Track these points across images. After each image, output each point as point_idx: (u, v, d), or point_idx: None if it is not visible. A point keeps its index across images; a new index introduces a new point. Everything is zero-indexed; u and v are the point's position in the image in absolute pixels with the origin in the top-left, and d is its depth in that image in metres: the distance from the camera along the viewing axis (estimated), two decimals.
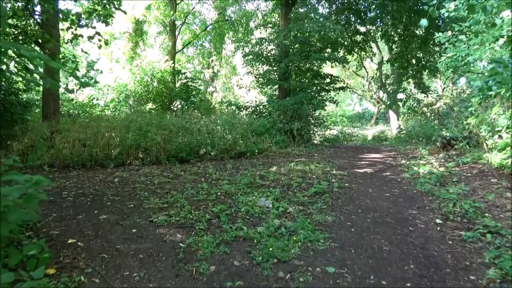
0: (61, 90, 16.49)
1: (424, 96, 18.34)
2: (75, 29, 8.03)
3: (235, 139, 9.61)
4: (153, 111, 14.30)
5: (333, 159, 8.96)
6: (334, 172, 6.93)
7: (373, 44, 18.85)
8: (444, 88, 26.47)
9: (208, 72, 20.41)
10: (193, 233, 3.70)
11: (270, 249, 3.32)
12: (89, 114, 13.38)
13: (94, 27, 8.39)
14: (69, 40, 8.66)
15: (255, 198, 4.74)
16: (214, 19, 18.95)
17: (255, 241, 3.51)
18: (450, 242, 3.62)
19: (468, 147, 8.59)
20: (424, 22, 4.61)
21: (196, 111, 11.45)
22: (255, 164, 7.60)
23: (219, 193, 5.10)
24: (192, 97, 14.04)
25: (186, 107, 12.85)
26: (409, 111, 18.18)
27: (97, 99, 15.48)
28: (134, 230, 3.75)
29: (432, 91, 17.23)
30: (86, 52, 9.82)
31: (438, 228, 3.98)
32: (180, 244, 3.43)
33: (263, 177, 6.05)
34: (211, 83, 21.09)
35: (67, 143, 8.44)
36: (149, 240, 3.53)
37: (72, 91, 15.81)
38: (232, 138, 9.64)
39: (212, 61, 20.40)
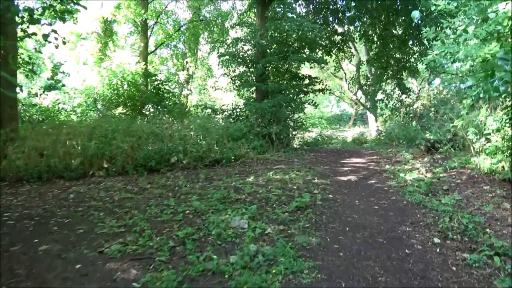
0: (24, 94, 15.44)
1: (404, 97, 18.19)
2: (27, 27, 7.21)
3: (209, 145, 8.96)
4: (123, 116, 13.51)
5: (314, 165, 8.44)
6: (316, 181, 6.39)
7: (351, 45, 18.58)
8: (420, 89, 26.57)
9: (183, 74, 19.63)
10: (151, 267, 3.05)
11: (245, 287, 2.73)
12: (52, 120, 12.45)
13: (50, 24, 7.58)
14: (20, 38, 7.81)
15: (228, 217, 4.13)
16: (188, 19, 18.21)
17: (226, 275, 2.90)
18: (454, 268, 3.11)
19: (453, 150, 8.25)
20: (416, 13, 4.16)
21: (167, 115, 10.72)
22: (230, 173, 6.98)
23: (187, 212, 4.46)
24: (165, 100, 13.26)
25: (158, 112, 12.10)
26: (392, 111, 17.97)
27: (63, 104, 14.50)
28: (78, 266, 3.06)
29: (412, 92, 17.06)
30: (39, 51, 8.91)
31: (438, 250, 3.47)
32: (134, 284, 2.78)
33: (238, 190, 5.43)
34: (186, 85, 20.32)
35: (21, 153, 7.60)
36: (95, 279, 2.86)
37: (35, 95, 14.74)
38: (207, 144, 8.99)
39: (186, 62, 19.63)
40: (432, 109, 19.89)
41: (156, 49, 17.66)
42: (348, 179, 6.73)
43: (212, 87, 14.33)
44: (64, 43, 7.55)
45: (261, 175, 6.72)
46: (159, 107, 12.53)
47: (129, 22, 16.58)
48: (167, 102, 13.19)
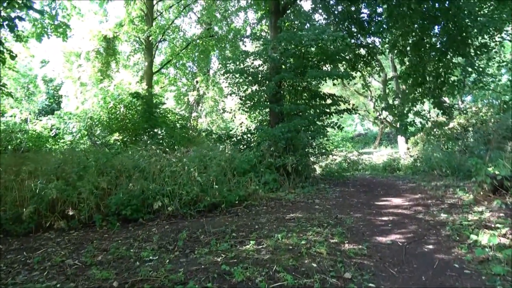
0: (16, 119, 14.10)
1: (440, 116, 15.88)
2: None
3: (206, 183, 7.05)
4: (118, 143, 11.86)
5: (341, 211, 6.38)
6: (347, 247, 4.33)
7: (378, 58, 16.54)
8: (453, 106, 24.07)
9: (193, 95, 18.02)
10: None
11: None
12: (36, 148, 10.91)
13: None
14: None
15: None
16: (197, 35, 16.69)
17: None
18: None
19: None
20: None
21: (164, 143, 8.89)
22: (224, 233, 4.98)
23: None
24: (160, 125, 11.47)
25: (150, 139, 10.35)
26: (428, 134, 15.68)
27: (57, 129, 13.02)
28: None
29: (455, 110, 14.77)
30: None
31: None
32: None
33: (223, 276, 3.44)
34: (196, 107, 18.68)
35: None
36: None
37: (25, 121, 13.38)
38: (204, 181, 7.09)
39: (196, 82, 18.04)
40: (470, 129, 17.54)
41: (161, 68, 16.15)
42: (392, 242, 4.63)
43: (221, 110, 12.58)
44: (12, 57, 5.87)
45: (266, 236, 4.71)
46: (152, 134, 10.75)
47: (131, 40, 15.14)
48: (161, 129, 11.35)
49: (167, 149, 10.18)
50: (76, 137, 12.58)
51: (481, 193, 6.70)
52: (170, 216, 6.22)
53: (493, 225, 5.00)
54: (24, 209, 5.77)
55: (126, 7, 14.93)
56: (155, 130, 11.46)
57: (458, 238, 4.65)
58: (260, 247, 4.29)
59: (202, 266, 3.67)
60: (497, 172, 6.75)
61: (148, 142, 9.85)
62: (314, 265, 3.71)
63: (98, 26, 14.41)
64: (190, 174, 7.10)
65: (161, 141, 10.87)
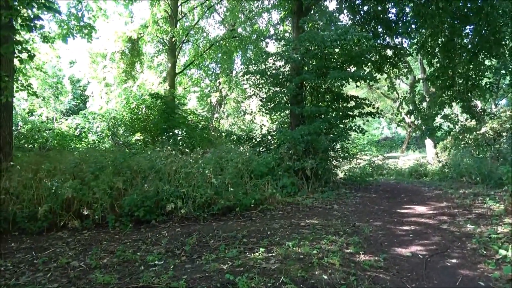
0: (43, 117, 14.47)
1: (470, 121, 15.15)
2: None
3: (221, 186, 6.92)
4: (140, 143, 11.96)
5: (359, 219, 6.10)
6: (362, 258, 4.08)
7: (406, 60, 15.95)
8: (484, 110, 23.06)
9: (215, 96, 18.00)
10: None
11: None
12: (61, 147, 11.14)
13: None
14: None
15: None
16: (220, 36, 16.66)
17: None
18: None
19: None
20: None
21: (169, 147, 8.82)
22: (235, 238, 4.82)
23: None
24: (179, 126, 11.44)
25: (170, 140, 10.34)
26: (456, 139, 15.03)
27: (82, 129, 13.27)
28: None
29: (487, 114, 14.06)
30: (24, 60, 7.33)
31: None
32: None
33: (226, 286, 3.27)
34: (219, 108, 18.66)
35: None
36: None
37: (51, 119, 13.72)
38: (219, 184, 6.97)
39: (219, 83, 18.01)
40: (504, 134, 16.63)
41: (184, 69, 16.20)
42: (412, 254, 4.33)
43: (242, 111, 12.47)
44: (30, 57, 5.91)
45: (277, 244, 4.52)
46: (172, 134, 10.74)
47: (155, 41, 15.28)
48: (181, 130, 11.32)
49: (186, 150, 10.18)
50: (100, 137, 12.79)
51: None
52: (183, 219, 6.12)
53: None
54: (40, 208, 5.82)
55: (151, 9, 15.08)
56: (175, 131, 11.45)
57: (485, 252, 4.30)
58: (270, 255, 4.10)
59: (206, 274, 3.52)
60: None
61: (167, 142, 9.84)
62: (325, 277, 3.49)
63: (123, 28, 14.61)
64: (205, 176, 6.99)
65: (180, 142, 10.83)
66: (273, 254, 4.12)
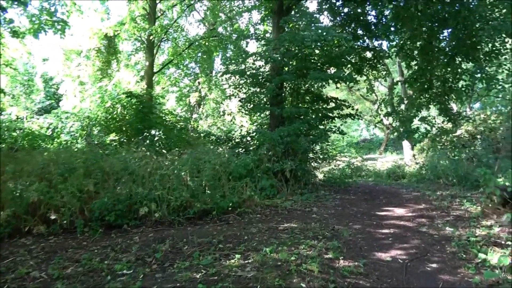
0: (12, 116, 13.85)
1: (443, 122, 15.40)
2: None
3: (197, 188, 6.69)
4: (115, 143, 11.56)
5: (339, 222, 5.99)
6: (341, 264, 3.95)
7: (385, 62, 16.10)
8: (460, 113, 23.58)
9: (194, 96, 17.70)
10: None
11: None
12: (30, 147, 10.63)
13: None
14: None
15: None
16: (200, 35, 16.38)
17: None
18: None
19: None
20: None
21: (144, 148, 8.52)
22: (210, 244, 4.60)
23: None
24: (155, 126, 11.10)
25: (145, 141, 10.02)
26: (434, 140, 15.24)
27: (54, 128, 12.72)
28: None
29: (462, 117, 14.29)
30: None
31: None
32: None
33: None
34: (197, 109, 18.35)
35: None
36: None
37: (20, 119, 13.10)
38: (195, 186, 6.74)
39: (199, 83, 17.72)
40: (479, 136, 16.99)
41: (162, 68, 15.83)
42: (392, 259, 4.23)
43: (221, 112, 12.26)
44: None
45: (254, 249, 4.34)
46: (148, 135, 10.41)
47: (133, 39, 14.88)
48: (158, 130, 10.99)
49: (163, 151, 9.88)
50: (73, 137, 12.30)
51: (490, 205, 6.27)
52: (156, 223, 5.87)
53: (503, 242, 4.59)
54: (1, 212, 5.46)
55: (128, 5, 14.68)
56: (152, 131, 11.11)
57: (464, 256, 4.24)
58: (246, 262, 3.92)
59: (178, 284, 3.30)
60: (507, 184, 6.32)
61: (143, 143, 9.51)
62: (303, 285, 3.33)
63: (99, 24, 14.16)
64: (181, 178, 6.75)
65: (156, 143, 10.51)
66: (250, 261, 3.94)
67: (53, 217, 5.74)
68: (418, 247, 4.65)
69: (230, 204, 6.72)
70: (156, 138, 10.45)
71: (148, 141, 10.54)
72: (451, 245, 4.63)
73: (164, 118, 12.95)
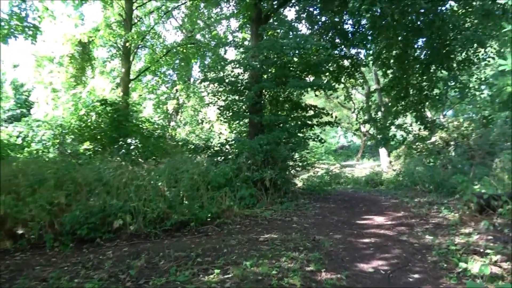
0: None
1: (419, 129, 15.71)
2: None
3: (175, 199, 6.49)
4: (89, 153, 11.20)
5: (319, 232, 5.91)
6: (323, 277, 3.85)
7: (362, 70, 16.31)
8: (434, 120, 24.17)
9: (172, 103, 17.42)
10: None
11: None
12: None
13: None
14: None
15: None
16: (177, 42, 16.17)
17: None
18: None
19: None
20: None
21: (119, 158, 8.24)
22: (188, 258, 4.42)
23: None
24: (131, 134, 10.79)
25: (121, 149, 9.73)
26: (410, 147, 15.50)
27: (25, 137, 12.20)
28: None
29: (437, 125, 14.59)
30: None
31: None
32: None
33: None
34: (175, 116, 18.07)
35: None
36: None
37: None
38: (173, 197, 6.54)
39: (176, 91, 17.46)
40: (452, 143, 17.42)
41: (139, 75, 15.52)
42: (374, 270, 4.16)
43: (200, 120, 12.08)
44: None
45: (234, 263, 4.19)
46: (124, 144, 10.11)
47: (107, 45, 14.53)
48: (134, 138, 10.69)
49: (140, 160, 9.60)
50: (46, 146, 11.83)
51: (467, 212, 6.34)
52: (132, 236, 5.63)
53: (482, 250, 4.61)
54: None
55: (104, 11, 14.35)
56: (128, 140, 10.81)
57: (445, 265, 4.22)
58: (226, 277, 3.76)
59: None
60: (483, 191, 6.43)
61: (117, 152, 9.21)
62: None
63: (73, 30, 13.76)
64: (158, 188, 6.53)
65: (132, 152, 10.22)
66: (229, 275, 3.79)
67: (20, 231, 5.44)
68: (399, 257, 4.61)
69: (209, 215, 6.55)
70: (132, 147, 10.13)
71: (124, 150, 10.24)
72: (432, 254, 4.61)
73: (141, 126, 12.64)
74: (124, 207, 5.85)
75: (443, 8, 11.37)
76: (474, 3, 10.71)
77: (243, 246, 4.97)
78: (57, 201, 5.87)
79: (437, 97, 12.28)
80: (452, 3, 11.71)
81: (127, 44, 13.30)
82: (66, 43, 13.56)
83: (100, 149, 11.35)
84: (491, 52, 11.99)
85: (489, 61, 12.69)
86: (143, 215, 5.85)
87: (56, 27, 13.19)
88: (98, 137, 11.85)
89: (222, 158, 10.43)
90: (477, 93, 16.94)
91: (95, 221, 5.55)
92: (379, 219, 7.10)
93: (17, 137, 12.10)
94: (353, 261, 4.46)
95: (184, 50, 15.87)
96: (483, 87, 20.46)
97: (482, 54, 11.76)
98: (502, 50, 13.61)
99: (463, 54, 11.49)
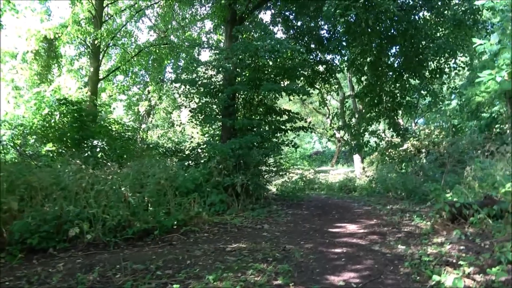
0: None
1: (395, 138, 15.88)
2: None
3: (139, 205, 6.11)
4: (51, 154, 10.58)
5: (290, 240, 5.67)
6: None
7: (337, 76, 16.36)
8: (407, 128, 24.61)
9: (144, 105, 16.90)
10: None
11: None
12: None
13: None
14: None
15: None
16: (150, 42, 15.72)
17: None
18: None
19: (490, 221, 5.71)
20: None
21: (79, 161, 7.71)
22: (147, 271, 4.07)
23: None
24: (92, 136, 10.25)
25: (86, 151, 9.23)
26: (383, 154, 15.61)
27: None
28: None
29: (410, 132, 14.74)
30: None
31: None
32: None
33: None
34: (147, 118, 17.53)
35: None
36: None
37: None
38: (137, 203, 6.16)
39: (148, 92, 16.95)
40: (423, 150, 17.71)
41: (108, 75, 14.94)
42: (345, 283, 3.94)
43: (170, 122, 11.68)
44: None
45: (196, 276, 3.88)
46: (88, 145, 9.61)
47: (76, 43, 13.92)
48: (101, 140, 10.17)
49: (109, 163, 9.11)
50: (5, 146, 11.13)
51: (439, 221, 6.26)
52: (89, 245, 5.21)
53: (455, 261, 4.48)
54: None
55: (72, 7, 13.74)
56: (94, 142, 10.28)
57: (418, 278, 4.04)
58: None
59: None
60: (455, 199, 6.38)
61: (78, 154, 8.69)
62: None
63: (37, 25, 13.09)
64: (120, 194, 6.13)
65: (98, 155, 9.72)
66: None
67: None
68: (371, 268, 4.42)
69: (175, 222, 6.21)
70: (98, 149, 9.62)
71: (89, 152, 9.72)
72: (404, 266, 4.44)
73: (109, 127, 12.09)
74: (81, 214, 5.42)
75: (416, 17, 11.53)
76: (446, 13, 10.87)
77: (209, 257, 4.66)
78: (7, 207, 5.38)
79: (409, 104, 12.37)
80: (425, 12, 11.88)
81: (96, 42, 12.76)
82: (30, 38, 12.86)
83: (64, 151, 10.77)
84: (462, 62, 12.21)
85: (459, 71, 12.94)
86: (102, 223, 5.44)
87: (20, 21, 12.50)
88: (64, 138, 11.25)
89: (193, 162, 10.09)
90: (447, 102, 17.34)
91: (49, 229, 5.10)
92: (351, 227, 6.94)
93: None
94: (324, 273, 4.23)
95: (157, 50, 15.44)
96: (452, 96, 21.03)
97: (453, 64, 11.96)
98: (471, 61, 13.97)
99: (435, 63, 11.64)
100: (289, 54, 10.31)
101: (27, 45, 13.32)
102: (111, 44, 14.55)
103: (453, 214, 6.12)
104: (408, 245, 5.32)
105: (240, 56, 9.54)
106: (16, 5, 11.66)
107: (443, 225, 6.14)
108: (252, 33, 11.53)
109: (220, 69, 9.88)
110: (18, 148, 10.53)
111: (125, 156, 10.94)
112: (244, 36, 11.56)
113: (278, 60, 10.72)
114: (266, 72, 10.69)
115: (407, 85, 12.53)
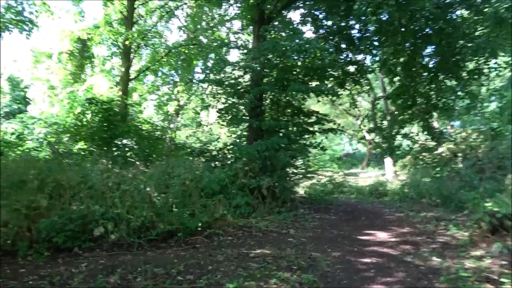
0: None
1: (425, 139, 15.23)
2: None
3: (163, 206, 6.07)
4: (83, 153, 10.83)
5: (316, 249, 5.45)
6: None
7: (368, 77, 15.86)
8: (441, 131, 23.59)
9: (173, 105, 17.06)
10: None
11: None
12: None
13: None
14: None
15: None
16: (179, 42, 15.84)
17: None
18: None
19: None
20: None
21: (105, 160, 7.77)
22: (168, 275, 3.98)
23: None
24: (122, 136, 10.37)
25: (116, 151, 9.35)
26: (416, 158, 15.01)
27: (20, 135, 11.85)
28: None
29: (446, 135, 14.09)
30: None
31: None
32: None
33: None
34: (176, 118, 17.70)
35: None
36: None
37: None
38: (162, 204, 6.13)
39: (177, 91, 17.10)
40: (460, 154, 16.86)
41: (138, 75, 15.18)
42: None
43: (198, 123, 11.71)
44: None
45: (217, 283, 3.75)
46: (118, 145, 9.73)
47: (108, 43, 14.23)
48: (131, 139, 10.29)
49: (137, 163, 9.20)
50: (41, 144, 11.49)
51: (478, 232, 5.85)
52: (113, 246, 5.20)
53: (496, 277, 4.14)
54: None
55: (104, 8, 14.05)
56: (124, 141, 10.42)
57: None
58: None
59: None
60: (496, 209, 5.94)
61: (106, 154, 8.81)
62: None
63: (71, 26, 13.46)
64: (145, 194, 6.11)
65: (128, 153, 9.83)
66: None
67: None
68: (403, 282, 4.14)
69: (199, 224, 6.13)
70: (127, 149, 9.73)
71: (119, 152, 9.85)
72: (440, 281, 4.13)
73: (139, 127, 12.25)
74: (106, 214, 5.44)
75: (454, 15, 10.94)
76: (486, 10, 10.24)
77: (231, 262, 4.52)
78: (36, 205, 5.47)
79: (445, 107, 11.77)
80: (464, 10, 11.27)
81: (127, 42, 12.96)
82: (65, 39, 13.24)
83: (95, 150, 10.99)
84: (503, 62, 11.50)
85: (500, 71, 12.22)
86: (126, 223, 5.42)
87: (55, 22, 12.88)
88: (95, 137, 11.49)
89: (220, 163, 10.02)
90: (486, 104, 16.43)
91: (74, 228, 5.13)
92: (382, 235, 6.62)
93: (12, 134, 11.76)
94: (351, 285, 4.00)
95: (186, 51, 15.53)
96: (492, 98, 19.95)
97: (494, 64, 11.28)
98: None
99: (473, 63, 11.02)
100: (318, 54, 10.04)
101: (61, 46, 13.71)
102: (141, 45, 14.76)
103: (494, 225, 5.69)
104: (444, 257, 4.98)
105: (268, 56, 9.38)
106: (51, 6, 12.03)
107: (482, 237, 5.72)
108: (280, 32, 11.33)
109: (247, 70, 9.75)
110: (52, 146, 10.81)
111: (153, 156, 11.06)
112: (273, 36, 11.39)
113: (307, 60, 10.47)
114: (294, 72, 10.47)
115: (443, 86, 11.92)
